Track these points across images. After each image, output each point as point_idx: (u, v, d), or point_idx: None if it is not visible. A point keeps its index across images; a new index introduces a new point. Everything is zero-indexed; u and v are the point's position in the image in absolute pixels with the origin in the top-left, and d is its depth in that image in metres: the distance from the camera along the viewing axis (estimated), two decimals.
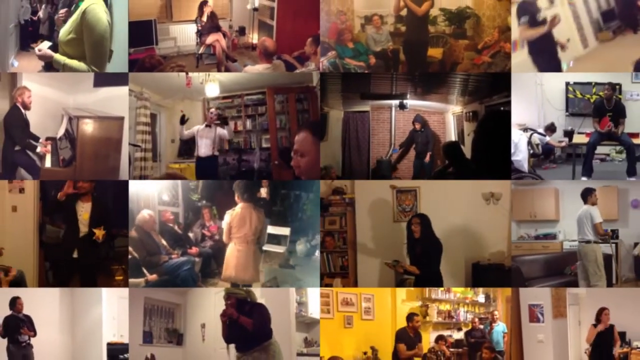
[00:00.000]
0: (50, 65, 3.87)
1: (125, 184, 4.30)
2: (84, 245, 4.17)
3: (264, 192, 4.62)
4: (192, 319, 4.82)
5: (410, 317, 4.47)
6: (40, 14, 5.06)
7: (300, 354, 4.25)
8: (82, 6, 3.48)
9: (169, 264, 4.48)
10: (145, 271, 4.38)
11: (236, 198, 4.45)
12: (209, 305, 4.52)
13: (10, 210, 4.40)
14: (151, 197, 4.89)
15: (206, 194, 5.00)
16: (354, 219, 4.63)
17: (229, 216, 4.39)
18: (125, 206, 4.23)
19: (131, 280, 4.28)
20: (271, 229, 4.65)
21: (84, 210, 4.20)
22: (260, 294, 4.12)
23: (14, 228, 4.41)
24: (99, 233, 4.16)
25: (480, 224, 4.58)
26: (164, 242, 4.67)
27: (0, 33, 4.63)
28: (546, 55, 4.38)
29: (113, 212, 4.30)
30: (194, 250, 4.81)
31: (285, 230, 4.65)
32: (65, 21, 3.75)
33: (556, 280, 4.60)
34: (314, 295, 4.46)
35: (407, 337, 4.40)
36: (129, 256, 4.34)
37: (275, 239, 4.63)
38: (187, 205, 5.09)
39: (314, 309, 4.46)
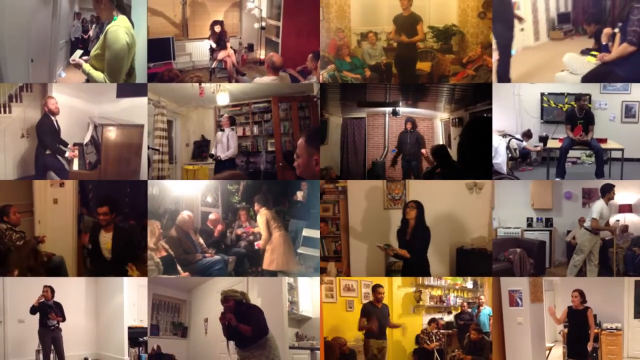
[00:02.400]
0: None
1: (144, 184, 4.36)
2: (113, 265, 4.15)
3: (300, 195, 4.64)
4: (196, 313, 4.91)
5: (374, 288, 4.32)
6: (91, 32, 5.20)
7: (292, 347, 4.34)
8: (107, 27, 3.69)
9: (202, 262, 4.46)
10: (179, 268, 4.37)
11: (256, 207, 4.59)
12: (211, 301, 4.55)
13: (51, 202, 4.50)
14: (194, 198, 4.93)
15: (246, 196, 4.96)
16: (347, 206, 4.61)
17: (263, 217, 4.51)
18: (144, 204, 4.24)
19: (164, 276, 4.27)
20: (306, 232, 4.59)
21: (106, 240, 4.16)
22: (257, 293, 4.24)
23: (55, 218, 4.49)
24: (133, 273, 4.13)
25: (463, 212, 4.60)
26: (201, 240, 4.68)
27: (51, 47, 4.80)
28: (505, 25, 4.49)
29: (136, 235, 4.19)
30: (220, 227, 4.78)
31: (316, 233, 4.51)
32: None
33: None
34: (305, 295, 4.55)
35: (372, 310, 4.20)
36: (165, 253, 4.34)
37: (311, 242, 4.54)
38: (226, 206, 5.08)
39: (304, 307, 4.56)
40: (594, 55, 4.29)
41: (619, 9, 4.12)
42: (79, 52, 4.04)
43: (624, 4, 3.99)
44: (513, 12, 4.63)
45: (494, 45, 4.52)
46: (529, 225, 5.17)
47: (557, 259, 5.06)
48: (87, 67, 3.81)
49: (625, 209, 4.86)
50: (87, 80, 3.96)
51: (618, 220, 4.79)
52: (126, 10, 3.80)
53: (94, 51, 3.77)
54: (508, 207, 5.06)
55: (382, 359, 4.21)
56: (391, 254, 4.00)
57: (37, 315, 4.40)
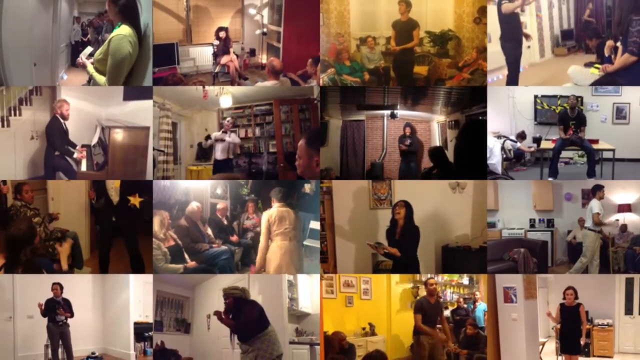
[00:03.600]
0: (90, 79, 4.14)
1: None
2: (120, 211, 4.23)
3: (308, 187, 4.54)
4: (198, 310, 4.92)
5: (425, 282, 4.29)
6: (90, 36, 5.24)
7: (292, 342, 4.36)
8: (111, 34, 3.78)
9: (209, 252, 4.47)
10: (186, 257, 4.38)
11: (272, 202, 4.25)
12: (213, 298, 4.58)
13: (65, 180, 4.50)
14: (204, 190, 4.95)
15: (255, 189, 4.97)
16: (332, 206, 4.55)
17: (266, 216, 4.12)
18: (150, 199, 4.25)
19: (171, 265, 4.25)
20: (313, 224, 4.50)
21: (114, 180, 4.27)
22: (257, 291, 4.24)
23: (69, 196, 4.53)
24: (135, 200, 4.15)
25: (447, 211, 4.63)
26: (209, 231, 4.66)
27: (52, 51, 4.84)
28: (514, 43, 4.61)
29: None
30: (235, 238, 4.77)
31: (318, 225, 4.45)
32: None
33: (496, 265, 4.57)
34: (304, 292, 4.56)
35: (427, 305, 4.14)
36: (173, 243, 4.33)
37: (317, 235, 4.47)
38: (235, 198, 5.08)
39: (304, 304, 4.57)
40: (597, 68, 4.38)
41: (617, 23, 4.19)
42: (89, 49, 4.10)
43: (623, 17, 4.06)
44: (521, 31, 4.72)
45: (502, 63, 4.61)
46: (532, 226, 5.23)
47: (558, 258, 5.11)
48: (90, 68, 3.92)
49: (624, 208, 4.89)
50: (89, 82, 4.03)
51: (617, 220, 4.82)
52: (130, 18, 3.82)
53: (97, 55, 3.87)
54: (512, 209, 5.14)
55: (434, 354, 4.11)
56: (381, 252, 3.94)
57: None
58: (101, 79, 3.83)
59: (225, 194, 5.14)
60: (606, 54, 4.33)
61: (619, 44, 4.13)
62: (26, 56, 4.36)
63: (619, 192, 4.85)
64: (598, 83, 4.35)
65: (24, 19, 4.30)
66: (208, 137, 5.31)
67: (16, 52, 4.18)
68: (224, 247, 4.57)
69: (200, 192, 4.93)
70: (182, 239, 4.43)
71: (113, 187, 4.28)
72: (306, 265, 4.43)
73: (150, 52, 3.98)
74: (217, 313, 3.66)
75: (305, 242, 4.47)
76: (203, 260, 4.43)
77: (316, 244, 4.44)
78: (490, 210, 5.06)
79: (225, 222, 4.94)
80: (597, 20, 5.35)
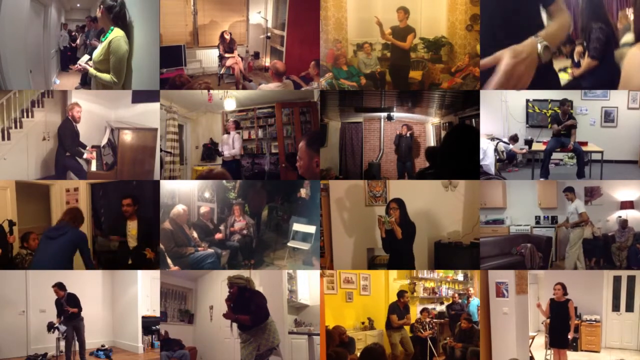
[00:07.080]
0: (84, 82, 4.38)
1: (157, 184, 4.37)
2: (136, 256, 4.32)
3: (303, 192, 4.58)
4: (201, 301, 4.90)
5: (400, 293, 4.57)
6: (78, 41, 5.23)
7: (291, 333, 4.38)
8: (109, 37, 4.00)
9: (194, 256, 4.36)
10: (169, 262, 4.24)
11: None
12: (216, 290, 4.59)
13: None
14: (190, 193, 4.90)
15: (242, 192, 4.96)
16: (329, 203, 4.51)
17: None
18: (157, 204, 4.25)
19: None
20: (297, 227, 4.49)
21: (131, 227, 4.35)
22: (258, 282, 4.19)
23: None
24: (150, 254, 4.20)
25: (439, 208, 4.64)
26: (195, 234, 4.58)
27: (44, 57, 4.86)
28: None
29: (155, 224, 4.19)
30: (219, 235, 4.68)
31: (311, 229, 4.45)
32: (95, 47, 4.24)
33: (504, 259, 4.65)
34: (303, 284, 4.56)
35: (398, 309, 4.54)
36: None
37: (301, 236, 4.46)
38: (223, 202, 5.04)
39: (302, 296, 4.56)
40: (568, 73, 4.45)
41: (581, 30, 4.27)
42: (85, 57, 4.21)
43: (585, 25, 4.13)
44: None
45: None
46: (537, 222, 5.22)
47: (562, 253, 5.07)
48: (93, 71, 4.07)
49: (627, 205, 4.83)
50: (82, 84, 4.16)
51: (620, 216, 4.79)
52: (122, 22, 4.02)
53: (98, 57, 4.06)
54: (519, 207, 5.14)
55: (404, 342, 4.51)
56: (383, 234, 3.84)
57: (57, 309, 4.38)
58: (106, 76, 4.03)
59: (212, 197, 5.07)
60: (576, 59, 4.42)
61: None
62: (22, 62, 4.35)
63: (622, 190, 4.81)
64: (565, 86, 4.36)
65: (19, 26, 4.29)
66: (214, 144, 5.27)
67: (13, 59, 4.19)
68: (209, 251, 4.45)
69: (187, 195, 4.84)
70: (165, 244, 4.26)
71: (131, 235, 4.35)
72: (290, 265, 4.44)
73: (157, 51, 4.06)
74: (226, 316, 3.62)
75: (290, 244, 4.50)
76: (188, 264, 4.31)
77: (302, 245, 4.41)
78: (499, 208, 5.14)
79: (211, 226, 4.86)
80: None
